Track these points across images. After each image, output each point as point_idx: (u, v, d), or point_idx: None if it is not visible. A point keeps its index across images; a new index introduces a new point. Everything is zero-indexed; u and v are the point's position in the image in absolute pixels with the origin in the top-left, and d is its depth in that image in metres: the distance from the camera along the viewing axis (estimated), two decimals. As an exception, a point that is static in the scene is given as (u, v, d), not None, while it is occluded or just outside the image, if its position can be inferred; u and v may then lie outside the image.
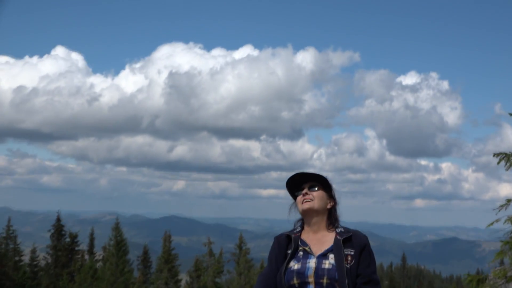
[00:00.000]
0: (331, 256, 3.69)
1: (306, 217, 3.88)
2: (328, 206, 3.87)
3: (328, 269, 3.64)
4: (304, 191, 3.85)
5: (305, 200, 3.83)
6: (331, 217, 3.87)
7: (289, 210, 3.96)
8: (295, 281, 3.68)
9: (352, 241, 3.73)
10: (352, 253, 3.69)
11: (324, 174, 3.91)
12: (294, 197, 3.94)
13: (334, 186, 3.93)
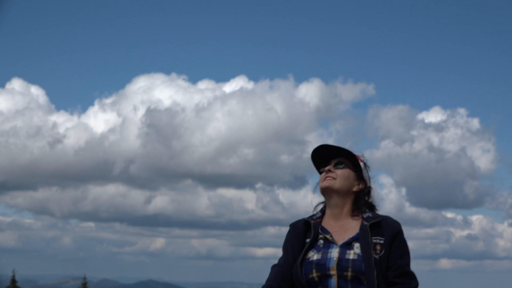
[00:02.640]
0: (357, 245, 3.18)
1: (326, 198, 3.37)
2: (355, 189, 3.34)
3: (353, 260, 3.12)
4: (327, 168, 3.36)
5: (326, 178, 3.33)
6: (358, 202, 3.34)
7: (313, 191, 3.45)
8: (314, 274, 3.16)
9: (382, 228, 3.20)
10: (382, 241, 3.17)
11: (357, 153, 3.40)
12: (320, 173, 3.44)
13: (367, 166, 3.42)
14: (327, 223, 3.34)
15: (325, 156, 3.40)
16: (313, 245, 3.26)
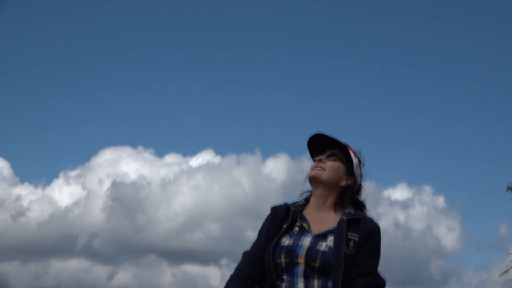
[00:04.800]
0: (331, 238, 3.07)
1: (312, 187, 3.29)
2: (343, 183, 3.25)
3: (323, 252, 3.01)
4: (319, 157, 3.28)
5: (316, 168, 3.24)
6: (343, 197, 3.24)
7: (305, 180, 3.36)
8: (282, 259, 3.05)
9: (360, 225, 3.10)
10: (357, 239, 3.06)
11: (353, 148, 3.32)
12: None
13: (358, 162, 3.33)
14: (308, 212, 3.24)
15: (321, 145, 3.32)
16: (288, 231, 3.16)
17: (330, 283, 2.98)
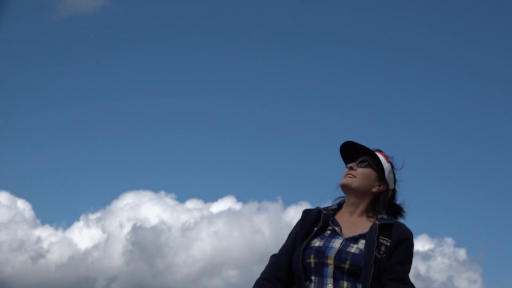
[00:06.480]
0: (362, 242, 3.06)
1: (345, 194, 3.30)
2: (374, 190, 3.23)
3: (354, 254, 3.00)
4: (350, 165, 3.28)
5: (348, 175, 3.26)
6: (376, 203, 3.23)
7: (336, 188, 3.37)
8: (311, 259, 3.04)
9: (392, 231, 3.09)
10: (389, 244, 3.05)
11: (383, 153, 3.32)
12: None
13: (391, 167, 3.32)
14: (340, 217, 3.24)
15: (353, 152, 3.33)
16: (319, 234, 3.15)
17: (359, 286, 2.96)
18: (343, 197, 3.33)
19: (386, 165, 3.27)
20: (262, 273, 3.18)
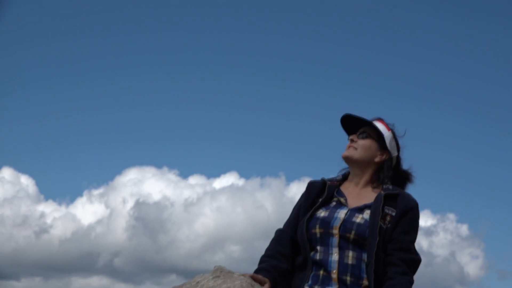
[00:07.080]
0: (367, 211, 3.05)
1: (349, 166, 3.31)
2: (377, 159, 3.23)
3: (359, 224, 3.00)
4: (351, 137, 3.28)
5: (350, 147, 3.25)
6: (380, 173, 3.23)
7: (341, 160, 3.37)
8: (317, 229, 3.05)
9: (397, 201, 3.08)
10: (394, 213, 3.05)
11: (380, 123, 3.28)
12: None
13: (392, 135, 3.29)
14: (345, 187, 3.25)
15: (355, 123, 3.32)
16: (324, 205, 3.16)
17: (364, 255, 2.98)
18: (347, 168, 3.33)
19: (386, 133, 3.26)
20: (266, 250, 3.18)
